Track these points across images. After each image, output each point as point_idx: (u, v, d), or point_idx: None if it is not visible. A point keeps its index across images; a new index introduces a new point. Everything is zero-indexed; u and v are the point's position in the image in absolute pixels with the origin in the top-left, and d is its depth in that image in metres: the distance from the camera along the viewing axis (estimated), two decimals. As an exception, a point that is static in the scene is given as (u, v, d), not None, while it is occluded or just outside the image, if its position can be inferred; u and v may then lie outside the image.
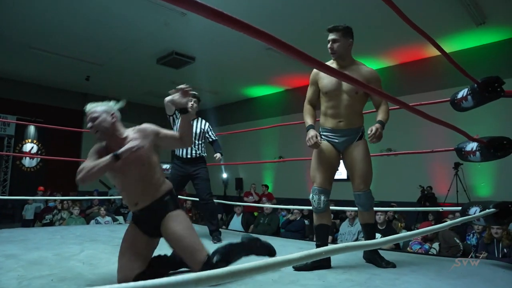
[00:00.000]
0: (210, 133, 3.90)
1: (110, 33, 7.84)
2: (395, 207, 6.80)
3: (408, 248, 4.68)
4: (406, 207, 6.04)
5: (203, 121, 3.92)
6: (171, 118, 3.76)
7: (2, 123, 10.78)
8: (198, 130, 3.79)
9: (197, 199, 3.83)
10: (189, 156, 3.66)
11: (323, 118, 2.59)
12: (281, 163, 11.02)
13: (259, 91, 12.20)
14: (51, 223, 6.76)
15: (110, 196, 9.07)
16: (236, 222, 6.60)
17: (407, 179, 8.36)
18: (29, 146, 11.57)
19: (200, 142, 3.77)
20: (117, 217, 6.39)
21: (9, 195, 10.17)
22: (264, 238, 3.93)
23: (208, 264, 1.87)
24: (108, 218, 5.81)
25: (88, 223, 6.22)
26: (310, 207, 2.58)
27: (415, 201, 7.81)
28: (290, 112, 11.37)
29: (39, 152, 11.58)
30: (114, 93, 12.19)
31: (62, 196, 8.90)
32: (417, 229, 5.88)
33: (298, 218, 6.11)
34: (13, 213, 10.19)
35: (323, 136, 2.56)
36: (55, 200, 7.79)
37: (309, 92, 2.66)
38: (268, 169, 11.99)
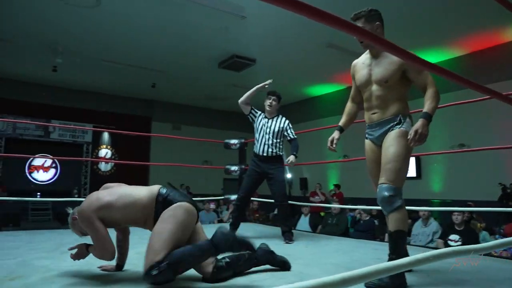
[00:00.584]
0: (289, 131, 3.68)
1: (173, 41, 8.18)
2: (473, 206, 6.36)
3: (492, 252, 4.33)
4: (485, 206, 5.62)
5: (283, 119, 3.73)
6: (249, 117, 3.80)
7: (81, 131, 11.70)
8: (276, 128, 3.63)
9: (269, 200, 3.80)
10: (265, 154, 3.59)
11: (364, 114, 2.38)
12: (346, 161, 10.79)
13: (320, 89, 12.05)
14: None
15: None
16: (303, 222, 6.56)
17: (484, 176, 7.78)
18: (104, 152, 12.43)
19: (278, 140, 3.64)
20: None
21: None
22: (333, 238, 3.86)
23: (149, 272, 1.76)
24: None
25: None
26: (379, 207, 2.35)
27: (496, 200, 7.24)
28: (354, 109, 11.10)
29: (113, 157, 12.40)
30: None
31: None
32: (503, 231, 5.46)
33: (367, 218, 5.93)
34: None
35: (366, 135, 2.37)
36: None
37: (352, 88, 2.53)
38: (333, 168, 11.79)
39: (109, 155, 12.44)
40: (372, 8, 2.22)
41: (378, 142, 2.26)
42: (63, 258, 2.46)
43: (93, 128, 10.92)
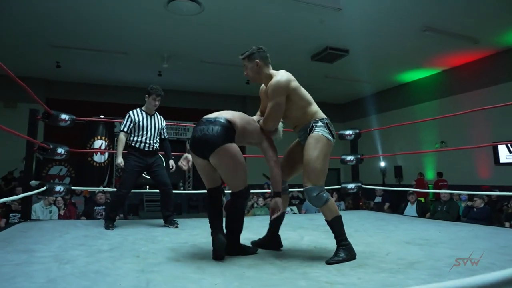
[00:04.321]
0: (164, 130, 3.95)
1: (269, 39, 8.40)
2: None
3: None
4: None
5: (161, 118, 3.96)
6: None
7: (184, 128, 12.72)
8: (160, 126, 3.87)
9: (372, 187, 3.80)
10: (150, 149, 3.77)
11: None
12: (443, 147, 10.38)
13: (413, 75, 11.66)
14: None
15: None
16: (410, 210, 6.53)
17: None
18: (203, 147, 13.39)
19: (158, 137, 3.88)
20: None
21: (193, 190, 11.94)
22: (460, 225, 3.75)
23: None
24: (288, 209, 6.40)
25: (269, 212, 6.89)
26: (492, 193, 2.23)
27: None
28: (450, 94, 10.63)
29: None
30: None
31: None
32: None
33: (482, 206, 5.72)
34: (197, 204, 11.99)
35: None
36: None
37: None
38: (429, 156, 11.39)
39: (207, 150, 13.32)
40: (256, 48, 2.50)
41: None
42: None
43: (194, 125, 11.78)
